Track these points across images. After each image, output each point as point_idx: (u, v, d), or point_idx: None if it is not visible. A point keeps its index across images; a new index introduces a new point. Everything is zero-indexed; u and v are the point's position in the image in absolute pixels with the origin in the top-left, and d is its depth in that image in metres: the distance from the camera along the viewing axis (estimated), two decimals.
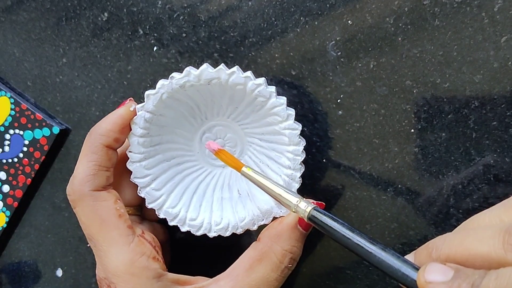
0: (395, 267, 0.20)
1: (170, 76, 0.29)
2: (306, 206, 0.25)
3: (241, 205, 0.31)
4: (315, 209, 0.24)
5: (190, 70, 0.28)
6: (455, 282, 0.18)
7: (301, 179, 0.30)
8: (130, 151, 0.29)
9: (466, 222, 0.21)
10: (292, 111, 0.29)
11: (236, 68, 0.28)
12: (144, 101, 0.29)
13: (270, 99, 0.29)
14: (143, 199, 0.31)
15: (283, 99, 0.29)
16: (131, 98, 0.30)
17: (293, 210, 0.26)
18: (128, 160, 0.30)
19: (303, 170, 0.30)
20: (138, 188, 0.30)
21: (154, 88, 0.29)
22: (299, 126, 0.29)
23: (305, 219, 0.25)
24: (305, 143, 0.30)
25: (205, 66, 0.28)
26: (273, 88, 0.29)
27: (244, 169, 0.28)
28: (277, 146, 0.30)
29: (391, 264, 0.20)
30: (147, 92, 0.29)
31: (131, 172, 0.30)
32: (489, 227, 0.19)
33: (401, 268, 0.20)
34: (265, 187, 0.27)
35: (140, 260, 0.28)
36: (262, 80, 0.28)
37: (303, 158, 0.30)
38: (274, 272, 0.29)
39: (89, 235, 0.29)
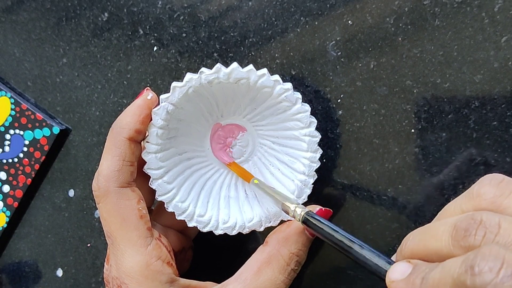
0: (370, 261, 0.22)
1: (200, 71, 0.28)
2: (301, 211, 0.27)
3: (248, 206, 0.31)
4: (307, 214, 0.27)
5: (220, 67, 0.28)
6: (411, 277, 0.20)
7: (313, 185, 0.30)
8: (147, 141, 0.29)
9: (439, 213, 0.22)
10: (314, 119, 0.29)
11: (265, 70, 0.28)
12: (167, 93, 0.29)
13: (295, 104, 0.29)
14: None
15: (307, 106, 0.29)
16: (148, 87, 0.30)
17: (291, 214, 0.28)
18: (144, 151, 0.29)
19: (316, 177, 0.30)
20: (150, 179, 0.30)
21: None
22: (319, 135, 0.29)
23: (300, 223, 0.27)
24: (322, 152, 0.30)
25: (236, 65, 0.28)
26: (299, 94, 0.29)
27: (252, 180, 0.31)
28: (292, 151, 0.30)
29: (367, 259, 0.23)
30: (173, 84, 0.28)
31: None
32: (443, 223, 0.20)
33: (375, 261, 0.22)
34: (270, 195, 0.29)
35: (155, 264, 0.28)
36: (289, 85, 0.29)
37: (318, 166, 0.30)
38: (282, 275, 0.29)
39: (108, 232, 0.29)
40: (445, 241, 0.19)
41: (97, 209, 0.33)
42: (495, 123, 0.28)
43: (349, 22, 0.30)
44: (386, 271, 0.21)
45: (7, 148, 0.41)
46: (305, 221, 0.27)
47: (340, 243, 0.24)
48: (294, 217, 0.28)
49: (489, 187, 0.20)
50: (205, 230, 0.31)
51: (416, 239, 0.21)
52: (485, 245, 0.17)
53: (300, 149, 0.30)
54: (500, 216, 0.18)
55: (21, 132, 0.40)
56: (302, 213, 0.27)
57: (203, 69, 0.28)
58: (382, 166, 0.31)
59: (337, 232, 0.25)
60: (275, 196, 0.29)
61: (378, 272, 0.22)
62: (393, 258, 0.23)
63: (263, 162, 0.32)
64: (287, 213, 0.28)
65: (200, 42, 0.34)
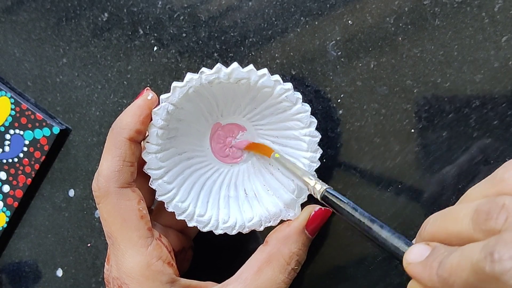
0: (389, 242, 0.22)
1: (200, 71, 0.28)
2: (320, 187, 0.27)
3: (248, 205, 0.31)
4: (327, 190, 0.27)
5: (220, 67, 0.28)
6: (428, 260, 0.19)
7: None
8: (147, 142, 0.29)
9: (461, 198, 0.22)
10: (314, 119, 0.29)
11: (266, 70, 0.28)
12: (167, 92, 0.29)
13: (296, 104, 0.29)
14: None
15: (308, 107, 0.29)
16: (148, 87, 0.30)
17: (311, 190, 0.28)
18: (144, 151, 0.29)
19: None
20: (151, 179, 0.30)
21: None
22: (319, 135, 0.29)
23: (319, 198, 0.27)
24: (322, 152, 0.30)
25: (236, 65, 0.28)
26: (299, 94, 0.29)
27: (273, 154, 0.30)
28: (292, 151, 0.30)
29: (386, 239, 0.22)
30: (174, 84, 0.28)
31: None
32: (465, 207, 0.19)
33: (394, 242, 0.22)
34: (290, 169, 0.29)
35: (156, 264, 0.28)
36: (290, 85, 0.29)
37: (318, 166, 0.30)
38: (282, 274, 0.29)
39: (108, 232, 0.29)
40: (466, 224, 0.19)
41: (97, 209, 0.33)
42: (495, 122, 0.28)
43: (349, 22, 0.30)
44: (404, 252, 0.21)
45: (7, 148, 0.41)
46: (324, 198, 0.27)
47: (359, 222, 0.24)
48: (314, 193, 0.27)
49: None
50: (205, 230, 0.31)
51: (437, 222, 0.21)
52: (507, 230, 0.17)
53: (300, 149, 0.30)
54: None
55: (21, 132, 0.40)
56: (322, 190, 0.27)
57: (203, 69, 0.28)
58: (382, 165, 0.31)
59: (357, 210, 0.24)
60: (295, 171, 0.29)
61: (396, 253, 0.22)
62: (413, 241, 0.23)
63: (262, 162, 0.32)
64: (307, 188, 0.28)
65: (200, 42, 0.34)
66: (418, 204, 0.30)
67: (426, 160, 0.30)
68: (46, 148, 0.39)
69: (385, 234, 0.22)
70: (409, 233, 0.30)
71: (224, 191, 0.32)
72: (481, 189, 0.20)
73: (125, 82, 0.37)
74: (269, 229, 0.31)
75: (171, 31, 0.35)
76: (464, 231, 0.19)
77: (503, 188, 0.19)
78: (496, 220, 0.17)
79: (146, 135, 0.29)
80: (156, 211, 0.33)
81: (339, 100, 0.31)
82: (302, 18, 0.32)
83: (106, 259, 0.31)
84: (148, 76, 0.36)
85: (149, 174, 0.30)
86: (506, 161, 0.28)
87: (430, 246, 0.20)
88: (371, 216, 0.24)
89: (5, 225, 0.41)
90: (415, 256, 0.20)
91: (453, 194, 0.29)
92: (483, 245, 0.17)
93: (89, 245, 0.40)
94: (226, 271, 0.30)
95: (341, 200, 0.26)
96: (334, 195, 0.26)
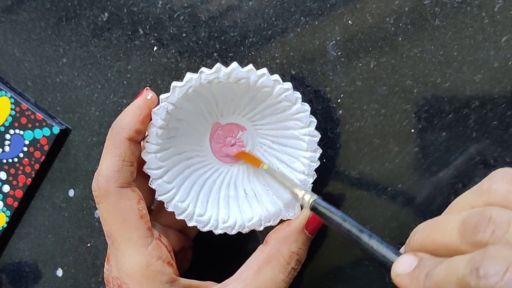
0: (378, 252, 0.22)
1: (200, 70, 0.28)
2: (309, 198, 0.27)
3: (248, 205, 0.31)
4: (316, 201, 0.27)
5: (220, 67, 0.28)
6: (415, 272, 0.19)
7: (312, 185, 0.30)
8: (147, 141, 0.29)
9: (449, 207, 0.22)
10: (314, 119, 0.29)
11: (265, 70, 0.28)
12: (166, 92, 0.29)
13: (295, 104, 0.29)
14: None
15: (307, 106, 0.29)
16: (147, 87, 0.30)
17: (300, 201, 0.28)
18: (144, 150, 0.29)
19: (316, 177, 0.30)
20: (150, 179, 0.30)
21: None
22: (319, 134, 0.29)
23: (308, 209, 0.27)
24: (321, 151, 0.30)
25: (236, 65, 0.28)
26: (298, 94, 0.29)
27: (262, 166, 0.31)
28: (292, 150, 0.30)
29: (375, 249, 0.22)
30: (173, 84, 0.28)
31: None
32: (453, 218, 0.19)
33: (382, 252, 0.22)
34: (279, 180, 0.29)
35: (156, 264, 0.28)
36: (289, 85, 0.29)
37: (317, 165, 0.30)
38: (282, 274, 0.29)
39: (108, 232, 0.29)
40: (454, 236, 0.19)
41: (97, 209, 0.33)
42: (495, 122, 0.28)
43: (349, 22, 0.30)
44: (393, 262, 0.21)
45: (7, 148, 0.41)
46: (313, 209, 0.27)
47: (348, 232, 0.24)
48: (303, 204, 0.27)
49: (502, 183, 0.19)
50: (204, 229, 0.31)
51: (425, 233, 0.21)
52: (494, 244, 0.17)
53: (300, 148, 0.30)
54: (511, 213, 0.18)
55: (21, 132, 0.40)
56: (311, 200, 0.27)
57: (203, 68, 0.28)
58: (382, 166, 0.31)
59: (346, 221, 0.24)
60: (284, 182, 0.29)
61: (385, 263, 0.22)
62: (402, 250, 0.23)
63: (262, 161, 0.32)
64: (296, 199, 0.28)
65: (200, 42, 0.34)
66: (416, 207, 0.30)
67: (425, 162, 0.30)
68: (46, 148, 0.39)
69: (374, 243, 0.23)
70: (408, 233, 0.30)
71: (223, 190, 0.32)
72: (468, 199, 0.20)
73: (125, 82, 0.37)
74: (269, 229, 0.31)
75: (171, 31, 0.35)
76: (451, 243, 0.19)
77: (490, 199, 0.19)
78: (483, 233, 0.17)
79: (146, 134, 0.29)
80: (156, 211, 0.33)
81: (339, 100, 0.31)
82: (302, 18, 0.32)
83: (106, 259, 0.31)
84: (148, 76, 0.36)
85: (148, 173, 0.30)
86: (505, 162, 0.28)
87: (417, 257, 0.20)
88: (360, 226, 0.24)
89: (5, 225, 0.42)
90: (402, 267, 0.20)
91: (452, 195, 0.29)
92: (469, 259, 0.17)
93: (89, 245, 0.40)
94: (226, 271, 0.30)
95: (330, 210, 0.26)
96: (323, 206, 0.26)
